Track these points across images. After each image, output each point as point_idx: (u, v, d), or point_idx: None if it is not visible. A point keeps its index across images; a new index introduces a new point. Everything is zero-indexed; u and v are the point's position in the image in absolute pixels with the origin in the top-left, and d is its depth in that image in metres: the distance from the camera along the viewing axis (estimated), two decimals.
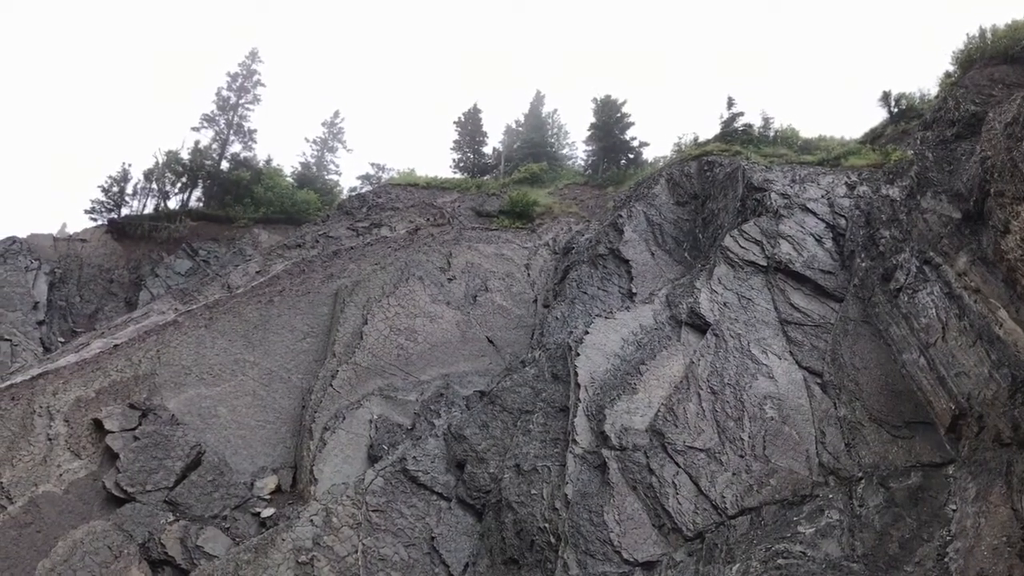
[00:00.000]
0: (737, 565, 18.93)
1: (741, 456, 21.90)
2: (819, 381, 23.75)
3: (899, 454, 20.74)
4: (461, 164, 69.78)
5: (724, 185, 36.77)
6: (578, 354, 26.62)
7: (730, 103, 48.26)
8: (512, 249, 41.53)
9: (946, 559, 16.99)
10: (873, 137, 40.61)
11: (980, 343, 19.38)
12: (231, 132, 66.04)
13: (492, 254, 40.49)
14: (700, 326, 26.50)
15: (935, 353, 20.96)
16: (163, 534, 24.41)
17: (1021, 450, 17.12)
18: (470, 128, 70.46)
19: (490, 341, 34.90)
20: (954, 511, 18.17)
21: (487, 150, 71.13)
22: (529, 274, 40.05)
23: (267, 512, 26.35)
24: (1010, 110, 18.82)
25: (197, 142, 64.26)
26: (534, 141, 68.47)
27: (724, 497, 21.04)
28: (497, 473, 24.50)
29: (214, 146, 64.90)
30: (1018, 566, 15.43)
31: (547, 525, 21.78)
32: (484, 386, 30.88)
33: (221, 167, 63.53)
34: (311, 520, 23.09)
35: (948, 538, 17.56)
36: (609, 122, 61.10)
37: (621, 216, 38.46)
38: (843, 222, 29.59)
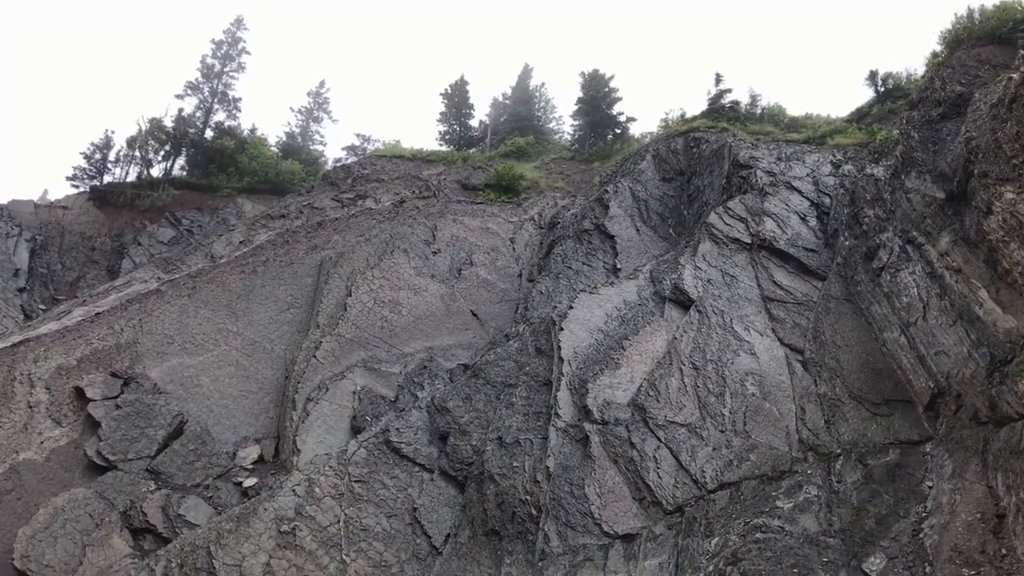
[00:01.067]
0: (716, 539, 19.16)
1: (722, 431, 22.08)
2: (800, 358, 23.92)
3: (877, 431, 20.96)
4: (447, 136, 69.48)
5: (710, 162, 36.77)
6: (562, 328, 26.69)
7: (718, 79, 48.24)
8: (497, 223, 41.47)
9: (921, 535, 17.23)
10: (859, 116, 40.67)
11: (960, 322, 19.54)
12: (215, 100, 65.47)
13: (477, 228, 40.43)
14: (684, 302, 26.60)
15: (915, 332, 21.13)
16: (145, 502, 24.44)
17: (997, 428, 17.33)
18: (457, 100, 70.09)
19: (474, 315, 34.91)
20: (930, 488, 18.40)
21: (474, 123, 70.87)
22: (514, 248, 40.02)
23: (249, 482, 26.42)
24: (996, 91, 18.88)
25: (181, 110, 63.78)
26: (521, 115, 68.23)
27: (704, 472, 21.24)
28: (480, 445, 24.61)
29: (198, 114, 64.38)
30: (991, 542, 15.69)
31: (528, 497, 21.94)
32: (468, 359, 30.97)
33: (205, 135, 63.05)
34: (293, 490, 23.15)
35: (924, 514, 17.80)
36: (596, 97, 60.85)
37: (607, 191, 38.44)
38: (827, 200, 29.67)
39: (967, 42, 28.82)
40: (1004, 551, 15.38)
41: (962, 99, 23.42)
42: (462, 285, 36.17)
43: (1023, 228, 16.49)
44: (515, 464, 23.06)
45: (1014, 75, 17.52)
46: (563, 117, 73.32)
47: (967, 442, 18.28)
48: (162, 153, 60.91)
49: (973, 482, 17.16)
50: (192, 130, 62.27)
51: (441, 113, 70.53)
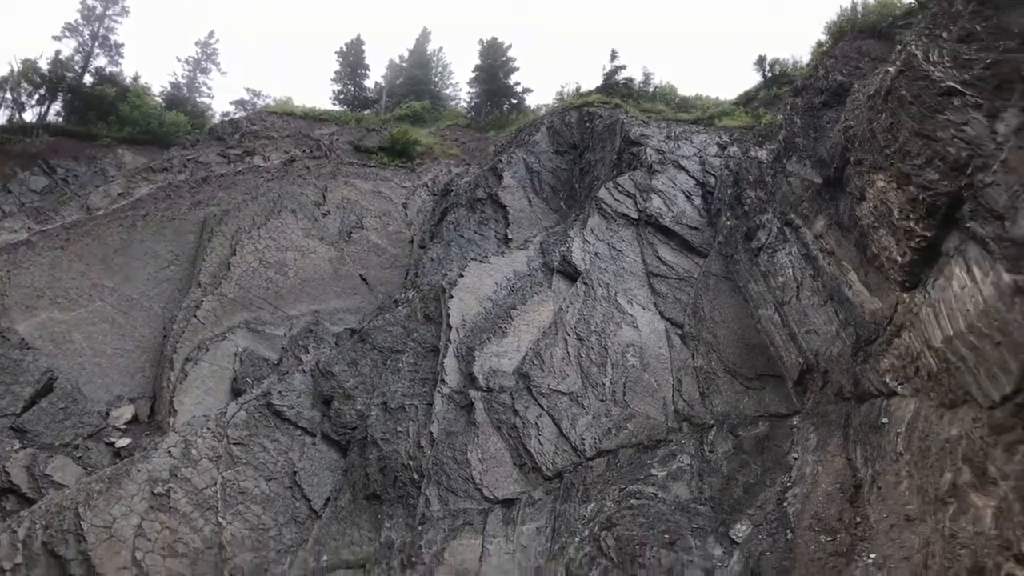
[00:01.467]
0: (592, 504, 19.69)
1: (602, 401, 22.62)
2: (680, 332, 24.67)
3: (749, 404, 21.89)
4: (341, 96, 67.98)
5: (603, 137, 37.26)
6: (451, 296, 26.74)
7: (613, 55, 48.72)
8: (390, 187, 41.02)
9: (785, 503, 18.15)
10: (746, 99, 41.76)
11: (831, 303, 20.50)
12: (96, 44, 62.12)
13: (369, 191, 39.90)
14: (571, 274, 27.00)
15: (789, 310, 22.07)
16: (8, 461, 23.37)
17: (859, 404, 18.35)
18: (352, 60, 68.61)
19: (363, 279, 34.57)
20: (795, 459, 19.36)
21: (369, 84, 69.51)
22: (406, 214, 39.71)
23: (122, 442, 25.60)
24: (874, 83, 19.70)
25: (58, 52, 60.23)
26: (417, 78, 67.37)
27: (584, 439, 21.75)
28: (364, 410, 24.51)
29: (77, 58, 60.96)
30: (848, 510, 16.65)
31: (411, 462, 22.03)
32: (355, 324, 30.69)
33: (84, 81, 59.79)
34: (169, 451, 22.56)
35: (788, 484, 18.74)
36: (494, 65, 60.68)
37: (501, 161, 38.52)
38: (712, 180, 30.53)
39: (850, 34, 29.90)
40: (859, 519, 16.35)
41: (843, 89, 24.32)
42: (352, 249, 35.73)
43: (892, 215, 17.34)
44: (399, 429, 23.09)
45: (890, 69, 18.32)
46: (460, 84, 72.80)
47: (831, 416, 19.29)
48: (36, 97, 57.45)
49: (834, 454, 18.14)
50: (70, 74, 58.97)
51: (336, 72, 68.90)
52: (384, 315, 28.49)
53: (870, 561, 15.35)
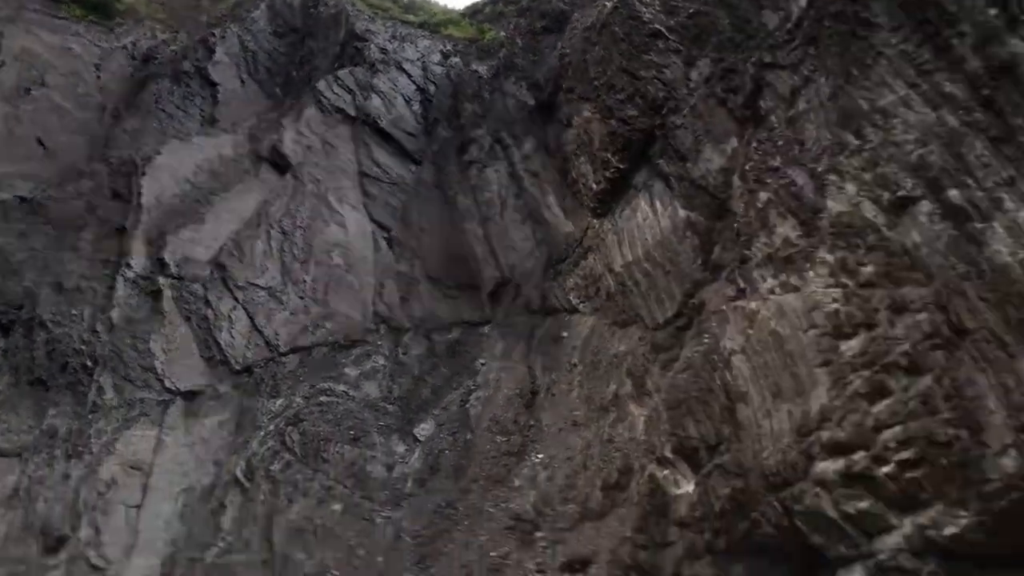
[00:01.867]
0: (281, 400, 19.64)
1: (302, 298, 22.38)
2: (387, 236, 24.81)
3: (446, 311, 22.66)
4: None
5: (327, 25, 35.85)
6: (145, 173, 24.94)
7: None
8: (83, 45, 36.76)
9: (468, 405, 19.21)
10: (474, 11, 41.74)
11: (529, 222, 21.57)
12: None
13: (57, 45, 35.51)
14: (281, 165, 26.10)
15: (492, 226, 22.90)
16: None
17: (545, 318, 19.68)
18: None
19: (41, 143, 30.92)
20: (483, 365, 20.43)
21: None
22: (100, 76, 35.87)
23: None
24: (591, 15, 20.58)
25: None
26: None
27: (278, 335, 21.46)
28: (33, 288, 22.44)
29: None
30: (523, 414, 17.99)
31: (84, 347, 20.62)
32: (28, 192, 27.56)
33: None
34: None
35: (473, 388, 19.79)
36: None
37: (214, 35, 35.85)
38: (433, 88, 30.52)
39: None
40: (532, 423, 17.75)
41: (564, 16, 25.00)
42: (29, 107, 31.68)
43: (593, 145, 18.46)
44: (73, 312, 21.44)
45: (608, 3, 19.23)
46: None
47: (519, 328, 20.50)
48: None
49: (517, 362, 19.40)
50: None
51: None
52: (64, 186, 26.06)
53: (537, 460, 16.78)
